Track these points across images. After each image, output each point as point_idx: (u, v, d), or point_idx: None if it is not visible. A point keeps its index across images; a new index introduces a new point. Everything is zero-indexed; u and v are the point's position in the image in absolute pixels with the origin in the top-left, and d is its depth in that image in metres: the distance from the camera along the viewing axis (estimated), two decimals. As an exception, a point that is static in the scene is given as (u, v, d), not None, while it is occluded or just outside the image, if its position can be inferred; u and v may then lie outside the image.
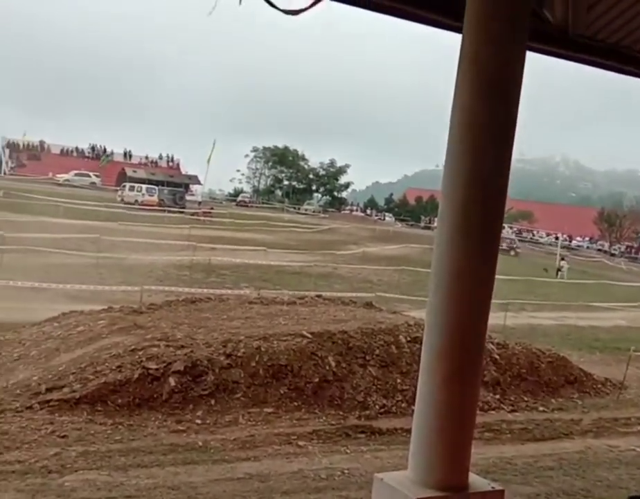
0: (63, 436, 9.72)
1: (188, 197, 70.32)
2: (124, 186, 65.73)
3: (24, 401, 10.70)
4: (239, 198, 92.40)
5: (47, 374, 11.49)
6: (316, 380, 12.25)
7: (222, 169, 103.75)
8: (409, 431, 9.10)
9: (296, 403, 11.90)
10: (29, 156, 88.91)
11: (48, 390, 10.97)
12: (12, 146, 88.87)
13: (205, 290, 21.36)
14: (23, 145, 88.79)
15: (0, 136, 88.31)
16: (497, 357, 14.74)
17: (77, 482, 8.44)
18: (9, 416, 10.23)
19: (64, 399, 10.76)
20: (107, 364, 11.44)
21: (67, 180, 75.30)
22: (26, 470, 8.62)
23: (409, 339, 13.82)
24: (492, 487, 3.94)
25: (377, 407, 12.33)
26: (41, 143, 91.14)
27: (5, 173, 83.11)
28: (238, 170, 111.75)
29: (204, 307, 15.97)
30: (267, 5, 4.04)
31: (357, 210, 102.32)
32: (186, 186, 79.16)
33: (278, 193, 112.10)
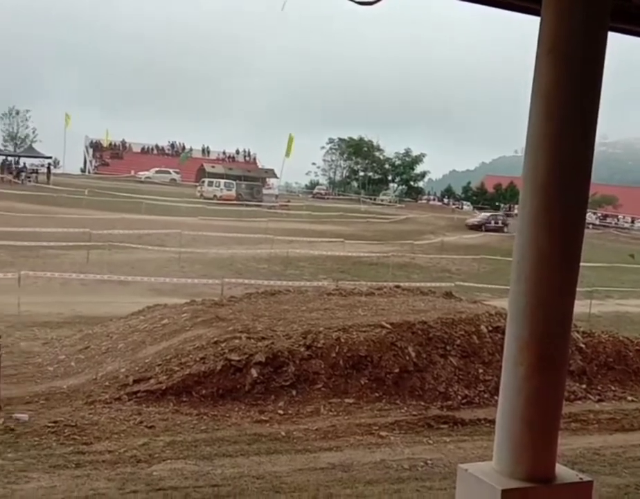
0: (150, 427, 10.00)
1: (265, 191, 70.98)
2: (203, 182, 66.87)
3: (113, 393, 11.06)
4: (315, 190, 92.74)
5: (134, 366, 11.83)
6: (397, 370, 12.22)
7: (298, 162, 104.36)
8: (492, 421, 9.00)
9: (376, 394, 11.90)
10: (112, 155, 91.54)
11: (136, 382, 11.31)
12: (96, 146, 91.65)
13: (284, 282, 21.56)
14: (106, 144, 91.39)
15: (84, 136, 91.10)
16: (583, 346, 14.38)
17: (165, 471, 8.68)
18: (99, 408, 10.59)
19: (151, 390, 11.07)
20: (190, 356, 11.69)
21: (148, 177, 77.16)
22: (116, 460, 8.92)
23: (490, 328, 13.63)
24: (580, 478, 3.84)
25: (459, 397, 12.21)
26: (123, 142, 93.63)
27: (89, 172, 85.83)
28: (314, 163, 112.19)
29: (283, 299, 16.12)
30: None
31: (434, 199, 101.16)
32: (263, 180, 79.98)
33: (354, 184, 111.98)
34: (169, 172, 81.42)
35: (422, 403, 11.94)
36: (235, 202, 59.24)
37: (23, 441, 9.27)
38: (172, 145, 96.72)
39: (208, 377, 11.30)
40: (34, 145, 76.25)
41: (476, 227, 58.07)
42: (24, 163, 65.24)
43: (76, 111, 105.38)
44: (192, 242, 32.35)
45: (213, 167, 79.76)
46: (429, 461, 9.73)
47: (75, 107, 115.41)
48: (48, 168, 64.54)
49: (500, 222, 61.73)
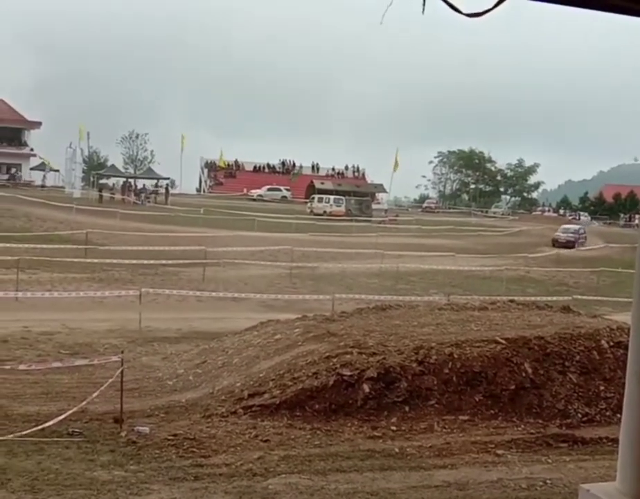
0: (265, 441, 10.15)
1: (374, 206, 71.09)
2: (313, 198, 67.69)
3: (229, 406, 11.30)
4: (425, 204, 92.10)
5: (249, 381, 12.06)
6: (512, 387, 11.90)
7: (407, 176, 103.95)
8: (615, 440, 8.62)
9: (492, 411, 11.62)
10: (225, 174, 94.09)
11: (250, 396, 11.51)
12: (211, 166, 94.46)
13: (394, 297, 21.46)
14: (220, 164, 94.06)
15: (199, 157, 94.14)
16: None
17: (280, 485, 8.78)
18: (215, 421, 10.84)
19: (265, 405, 11.24)
20: (303, 371, 11.80)
21: (260, 195, 78.83)
22: (233, 473, 9.09)
23: (611, 343, 13.07)
24: None
25: (579, 415, 11.76)
26: (236, 161, 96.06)
27: (204, 191, 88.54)
28: (424, 176, 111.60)
29: (394, 314, 16.04)
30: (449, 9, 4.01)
31: (548, 210, 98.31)
32: (372, 195, 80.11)
33: (465, 197, 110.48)
34: (280, 190, 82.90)
35: (540, 421, 11.56)
36: (344, 217, 59.61)
37: (145, 453, 9.60)
38: (283, 163, 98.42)
39: (321, 392, 11.36)
40: (152, 167, 79.48)
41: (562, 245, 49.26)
42: (144, 185, 68.06)
43: (192, 132, 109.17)
44: (303, 258, 32.78)
45: (323, 183, 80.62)
46: (548, 481, 9.40)
47: (190, 128, 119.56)
48: (166, 188, 67.07)
49: (577, 236, 52.44)
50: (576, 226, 58.13)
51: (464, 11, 4.00)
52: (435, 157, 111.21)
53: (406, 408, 11.42)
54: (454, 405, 11.62)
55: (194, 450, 9.75)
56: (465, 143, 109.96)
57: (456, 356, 12.07)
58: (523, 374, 12.08)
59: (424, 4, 3.99)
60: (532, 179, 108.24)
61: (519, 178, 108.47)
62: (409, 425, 11.06)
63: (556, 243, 49.23)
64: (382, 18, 4.00)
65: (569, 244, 49.53)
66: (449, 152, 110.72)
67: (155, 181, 70.32)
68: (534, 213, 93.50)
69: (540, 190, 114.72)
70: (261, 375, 12.15)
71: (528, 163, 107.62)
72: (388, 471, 9.45)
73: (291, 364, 12.19)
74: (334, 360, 11.92)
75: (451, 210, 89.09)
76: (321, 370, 11.70)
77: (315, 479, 8.99)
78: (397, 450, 10.18)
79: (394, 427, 10.95)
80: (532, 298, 21.70)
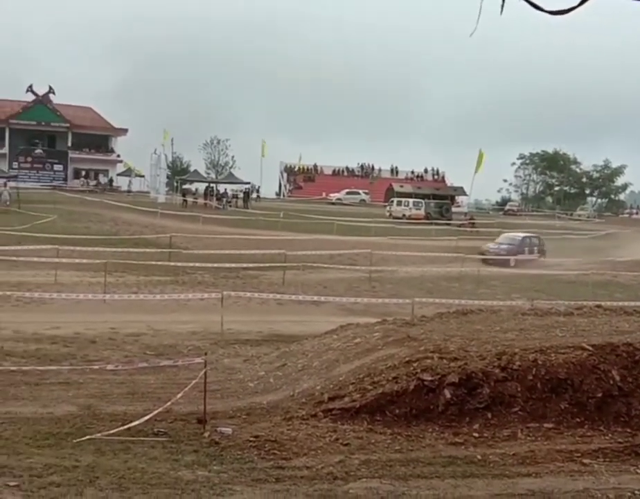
0: (346, 444, 10.15)
1: (454, 209, 70.26)
2: (392, 201, 67.39)
3: (309, 409, 11.35)
4: (507, 207, 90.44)
5: (328, 384, 12.08)
6: (599, 395, 11.53)
7: (488, 178, 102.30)
8: None
9: (577, 419, 11.29)
10: (304, 178, 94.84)
11: (330, 399, 11.53)
12: (290, 170, 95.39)
13: (475, 302, 21.16)
14: (299, 168, 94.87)
15: (279, 161, 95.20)
16: None
17: (361, 489, 8.76)
18: (296, 424, 10.90)
19: (345, 408, 11.23)
20: (383, 375, 11.75)
21: (339, 199, 79.04)
22: (313, 476, 9.12)
23: None
24: None
25: (670, 425, 11.30)
26: (315, 165, 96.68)
27: (284, 195, 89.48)
28: (505, 180, 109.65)
29: (475, 319, 15.79)
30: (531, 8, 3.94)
31: (636, 213, 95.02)
32: (452, 198, 79.17)
33: (549, 199, 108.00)
34: (359, 193, 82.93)
35: (629, 430, 11.16)
36: (424, 220, 59.14)
37: (227, 454, 9.74)
38: (362, 167, 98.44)
39: (401, 397, 11.28)
40: (233, 172, 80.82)
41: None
42: (225, 189, 69.23)
43: (272, 137, 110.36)
44: (382, 262, 32.70)
45: (402, 186, 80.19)
46: (636, 492, 9.07)
47: (270, 133, 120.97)
48: (247, 192, 68.01)
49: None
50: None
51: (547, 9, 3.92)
52: (517, 159, 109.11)
53: (489, 415, 11.22)
54: (539, 412, 11.35)
55: (276, 452, 9.83)
56: (548, 144, 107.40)
57: (540, 362, 11.78)
58: (611, 382, 11.69)
59: (502, 5, 3.93)
60: (619, 181, 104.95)
61: (605, 180, 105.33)
62: (492, 432, 10.86)
63: None
64: (476, 25, 3.95)
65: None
66: (531, 153, 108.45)
67: (236, 185, 71.43)
68: (621, 215, 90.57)
69: (628, 191, 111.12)
70: (341, 378, 12.16)
71: (615, 165, 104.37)
72: (470, 478, 9.30)
73: (371, 368, 12.15)
74: (415, 364, 11.82)
75: (535, 213, 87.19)
76: (401, 374, 11.62)
77: (396, 485, 8.93)
78: (479, 457, 10.01)
79: (476, 434, 10.77)
80: (620, 303, 21.00)
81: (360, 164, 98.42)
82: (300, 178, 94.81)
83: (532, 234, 42.44)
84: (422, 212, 63.68)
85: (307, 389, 12.20)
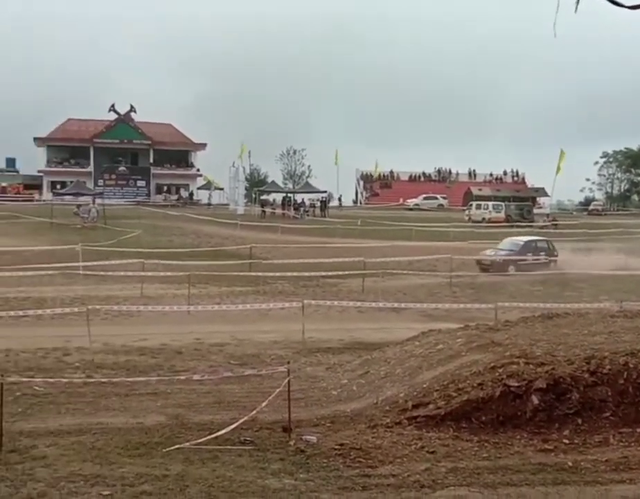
0: (432, 452, 10.05)
1: (535, 211, 68.70)
2: (470, 205, 66.49)
3: (393, 417, 11.29)
4: (590, 207, 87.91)
5: (412, 391, 11.99)
6: (696, 398, 11.07)
7: (570, 178, 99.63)
8: None
9: (673, 424, 10.87)
10: (381, 185, 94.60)
11: (414, 407, 11.44)
12: (366, 177, 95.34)
13: (561, 305, 20.63)
14: (376, 175, 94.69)
15: (354, 169, 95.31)
16: None
17: (449, 497, 8.67)
18: (381, 431, 10.86)
19: (430, 415, 11.13)
20: (467, 381, 11.58)
21: (416, 204, 78.46)
22: (400, 484, 9.07)
23: None
24: None
25: None
26: (391, 171, 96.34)
27: (361, 203, 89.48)
28: (588, 179, 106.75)
29: (562, 322, 15.41)
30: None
31: None
32: (533, 199, 77.49)
33: (635, 197, 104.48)
34: (436, 198, 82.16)
35: None
36: (504, 223, 58.09)
37: (313, 462, 9.78)
38: (439, 171, 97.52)
39: (487, 403, 11.10)
40: (310, 181, 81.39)
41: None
42: (302, 199, 69.75)
43: (347, 145, 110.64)
44: (462, 267, 32.28)
45: (480, 190, 79.01)
46: None
47: (346, 141, 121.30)
48: (324, 201, 68.33)
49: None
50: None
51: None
52: (600, 157, 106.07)
53: (579, 420, 10.92)
54: (631, 417, 10.98)
55: (361, 460, 9.82)
56: (632, 141, 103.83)
57: (631, 366, 11.40)
58: None
59: (577, 3, 3.85)
60: None
61: None
62: (582, 438, 10.57)
63: None
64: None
65: None
66: (614, 151, 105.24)
67: (313, 194, 71.89)
68: None
69: None
70: (424, 385, 12.05)
71: None
72: (561, 486, 9.07)
73: (455, 375, 12.00)
74: (500, 370, 11.61)
75: (621, 212, 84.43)
76: (487, 381, 11.43)
77: (485, 493, 8.79)
78: (570, 464, 9.75)
79: (566, 441, 10.50)
80: None
81: (437, 169, 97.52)
82: (377, 185, 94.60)
83: (538, 238, 37.51)
84: (502, 215, 62.53)
85: (391, 396, 12.14)
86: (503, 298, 23.93)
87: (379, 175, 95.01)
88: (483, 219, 61.31)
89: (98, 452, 10.13)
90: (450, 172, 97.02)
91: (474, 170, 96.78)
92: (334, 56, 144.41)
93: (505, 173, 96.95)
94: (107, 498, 8.58)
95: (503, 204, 65.63)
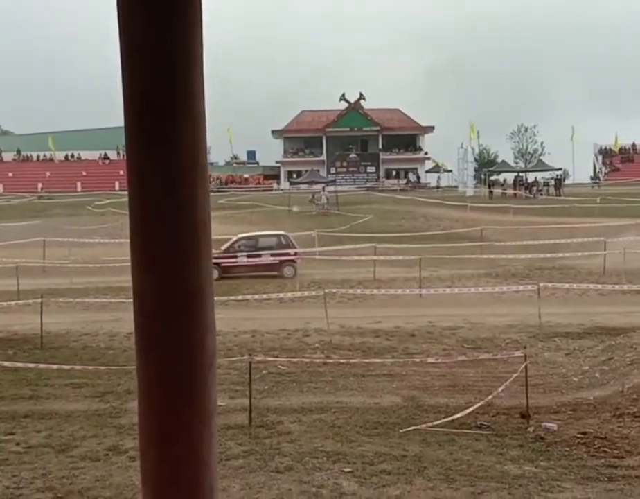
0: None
1: None
2: None
3: (642, 406, 10.59)
4: None
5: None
6: None
7: None
8: None
9: None
10: (622, 159, 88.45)
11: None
12: (605, 152, 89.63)
13: None
14: (616, 149, 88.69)
15: (592, 144, 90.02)
16: None
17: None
18: (627, 421, 10.25)
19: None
20: None
21: (663, 178, 72.44)
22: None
23: None
24: None
25: None
26: (633, 144, 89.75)
27: (599, 179, 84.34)
28: None
29: None
30: None
31: None
32: None
33: None
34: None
35: None
36: None
37: (554, 450, 9.47)
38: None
39: None
40: (542, 159, 78.13)
41: None
42: (535, 178, 67.22)
43: (585, 118, 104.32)
44: None
45: None
46: None
47: (583, 114, 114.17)
48: (558, 179, 65.34)
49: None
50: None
51: None
52: None
53: None
54: None
55: (606, 450, 9.34)
56: None
57: None
58: None
59: None
60: None
61: None
62: None
63: None
64: None
65: None
66: None
67: (546, 173, 68.99)
68: None
69: None
70: (677, 374, 11.17)
71: None
72: None
73: None
74: None
75: None
76: None
77: None
78: None
79: None
80: None
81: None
82: (617, 159, 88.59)
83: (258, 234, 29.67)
84: None
85: (638, 384, 11.38)
86: None
87: (620, 149, 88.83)
88: None
89: (338, 430, 10.56)
90: None
91: None
92: (568, 26, 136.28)
93: None
94: (348, 475, 8.91)
95: None
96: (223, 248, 27.39)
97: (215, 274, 26.10)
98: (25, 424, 11.27)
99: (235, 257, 26.93)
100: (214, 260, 27.07)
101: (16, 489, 8.82)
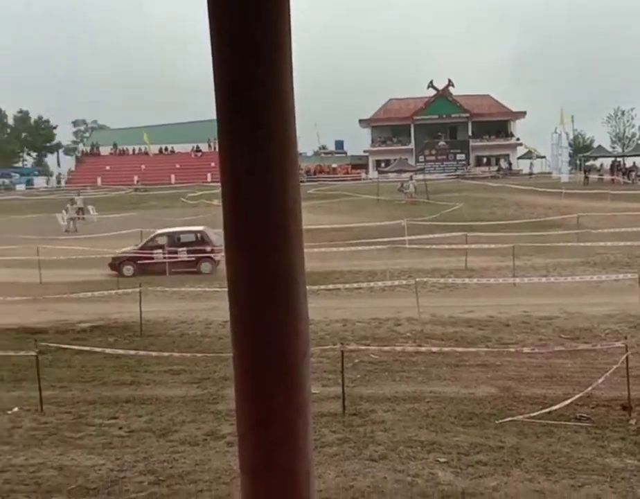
0: None
1: None
2: None
3: None
4: None
5: None
6: None
7: None
8: None
9: None
10: None
11: None
12: None
13: None
14: None
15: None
16: None
17: None
18: None
19: None
20: None
21: None
22: None
23: None
24: None
25: None
26: None
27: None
28: None
29: None
30: None
31: None
32: None
33: None
34: None
35: None
36: None
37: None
38: None
39: None
40: (640, 143, 75.22)
41: None
42: (633, 163, 64.76)
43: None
44: None
45: None
46: None
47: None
48: (658, 164, 62.75)
49: None
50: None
51: None
52: None
53: None
54: None
55: None
56: None
57: None
58: None
59: None
60: None
61: None
62: None
63: None
64: None
65: None
66: None
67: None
68: None
69: None
70: None
71: None
72: None
73: None
74: None
75: None
76: None
77: None
78: None
79: None
80: None
81: None
82: None
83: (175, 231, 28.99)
84: None
85: None
86: None
87: None
88: None
89: (432, 420, 10.51)
90: None
91: None
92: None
93: None
94: (443, 465, 8.85)
95: None
96: (139, 245, 27.29)
97: (130, 270, 26.58)
98: (127, 409, 11.72)
99: (152, 254, 26.57)
100: (127, 256, 27.94)
101: (119, 472, 9.18)
